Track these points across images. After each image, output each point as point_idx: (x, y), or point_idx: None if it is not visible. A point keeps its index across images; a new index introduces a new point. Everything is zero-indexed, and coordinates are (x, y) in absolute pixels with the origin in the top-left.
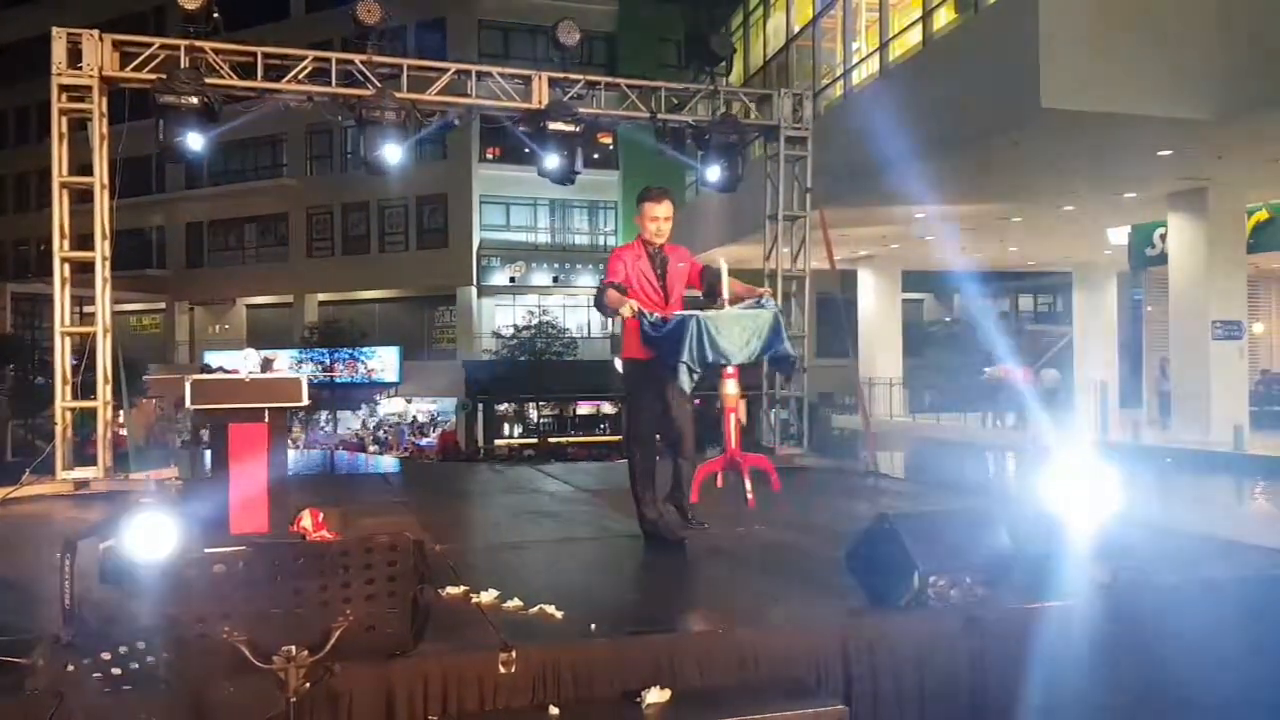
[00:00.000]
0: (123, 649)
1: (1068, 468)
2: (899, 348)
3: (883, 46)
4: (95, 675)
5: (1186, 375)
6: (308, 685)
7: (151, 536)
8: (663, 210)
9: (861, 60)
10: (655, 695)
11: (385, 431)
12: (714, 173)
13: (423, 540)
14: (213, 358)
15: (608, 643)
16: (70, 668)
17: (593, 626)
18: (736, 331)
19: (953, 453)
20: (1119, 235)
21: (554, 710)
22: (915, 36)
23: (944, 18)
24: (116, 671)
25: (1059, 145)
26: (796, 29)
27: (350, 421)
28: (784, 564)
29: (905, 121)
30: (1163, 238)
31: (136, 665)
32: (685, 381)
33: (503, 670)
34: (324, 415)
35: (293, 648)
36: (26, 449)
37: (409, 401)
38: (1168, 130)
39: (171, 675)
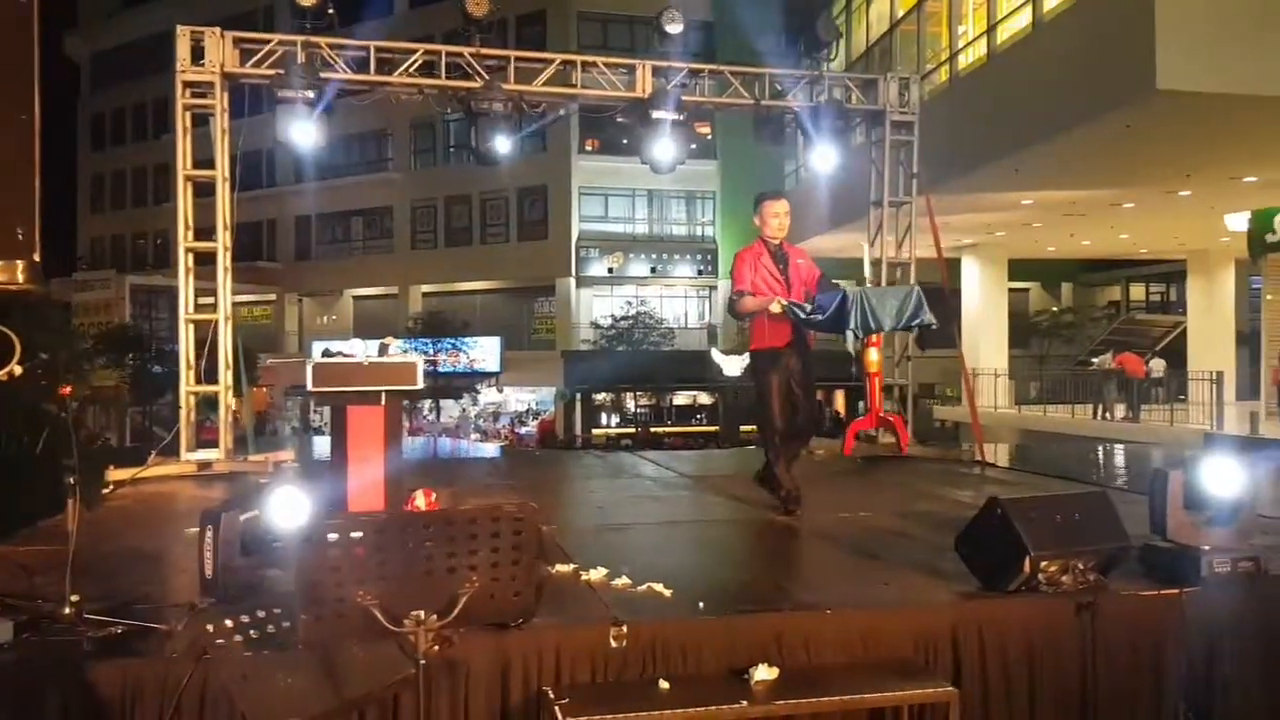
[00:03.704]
0: (260, 613)
1: (1181, 459)
2: (1004, 338)
3: (990, 29)
4: (235, 639)
5: None
6: (435, 649)
7: (289, 509)
8: (781, 208)
9: (968, 44)
10: (764, 673)
11: (485, 420)
12: (818, 159)
13: (540, 518)
14: (319, 347)
15: (717, 620)
16: (210, 629)
17: (700, 605)
18: (891, 302)
19: (1062, 445)
20: (1238, 221)
21: (664, 684)
22: (1024, 20)
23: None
24: (254, 635)
25: (1174, 128)
26: (901, 13)
27: (451, 410)
28: (890, 548)
29: (1012, 106)
30: None
31: (273, 629)
32: (851, 345)
33: (614, 644)
34: (426, 404)
35: (421, 612)
36: (145, 435)
37: (500, 391)
38: None
39: (307, 638)
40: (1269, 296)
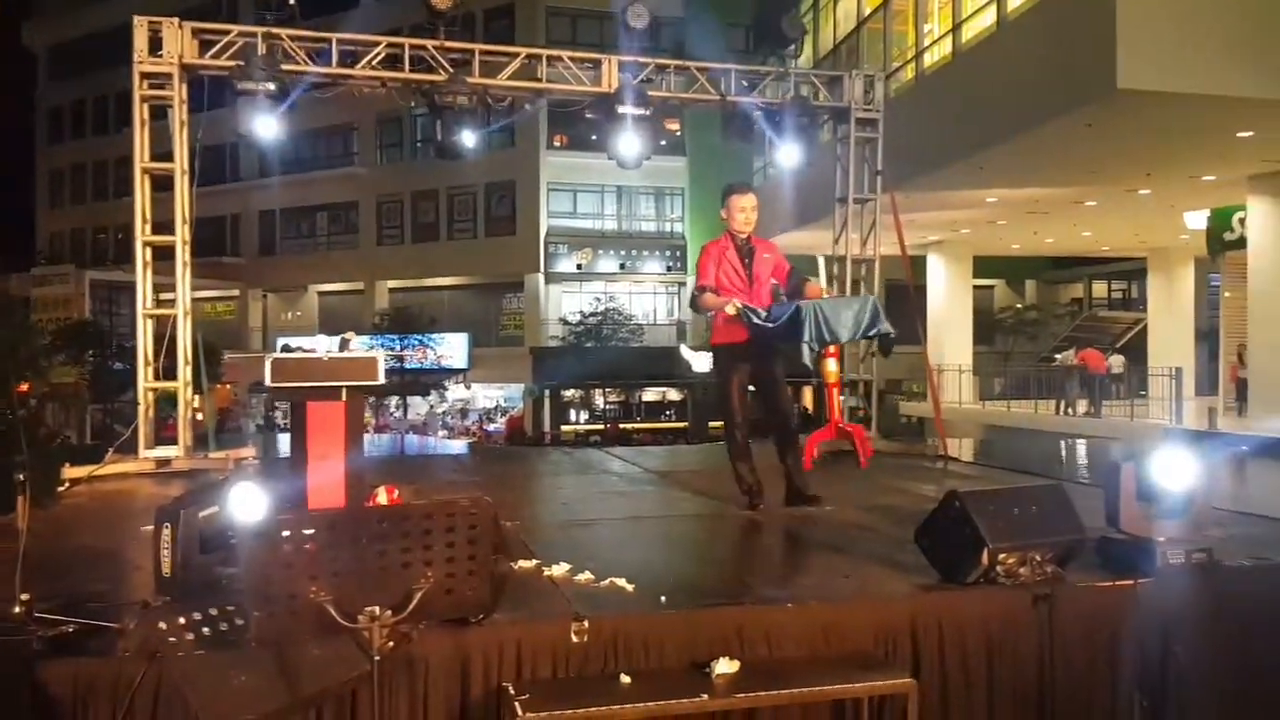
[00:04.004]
0: (213, 611)
1: (1141, 452)
2: (969, 334)
3: (955, 28)
4: (187, 637)
5: (1265, 362)
6: (390, 645)
7: (246, 506)
8: (749, 202)
9: (934, 42)
10: (724, 666)
11: (453, 417)
12: (784, 155)
13: (495, 512)
14: (283, 343)
15: (678, 614)
16: (163, 626)
17: (663, 599)
18: (846, 314)
19: (1025, 440)
20: (1197, 219)
21: (625, 679)
22: (988, 19)
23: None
24: (206, 632)
25: (1135, 127)
26: (868, 11)
27: (419, 407)
28: (852, 542)
29: (977, 104)
30: (1242, 222)
31: (226, 626)
32: (807, 358)
33: (575, 639)
34: (393, 401)
35: (376, 608)
36: (105, 432)
37: (468, 388)
38: (1247, 111)
39: (259, 635)
40: (1227, 294)
